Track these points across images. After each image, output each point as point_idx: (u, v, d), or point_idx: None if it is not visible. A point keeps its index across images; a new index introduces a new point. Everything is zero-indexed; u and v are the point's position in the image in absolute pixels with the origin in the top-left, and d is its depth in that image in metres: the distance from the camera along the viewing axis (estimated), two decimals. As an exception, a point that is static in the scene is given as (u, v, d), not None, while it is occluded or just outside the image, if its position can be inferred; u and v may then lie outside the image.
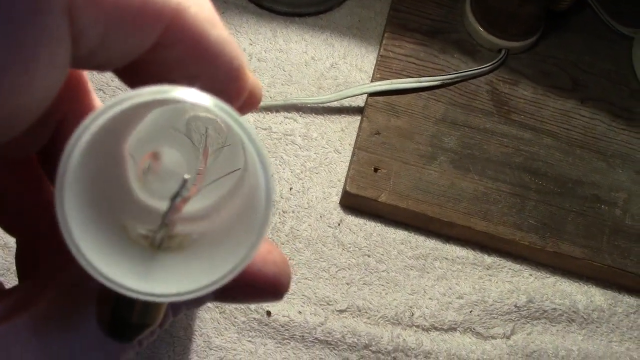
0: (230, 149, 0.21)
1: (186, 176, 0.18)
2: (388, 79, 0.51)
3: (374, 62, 0.55)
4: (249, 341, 0.44)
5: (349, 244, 0.48)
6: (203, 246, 0.18)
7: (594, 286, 0.50)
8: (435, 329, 0.47)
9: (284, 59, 0.54)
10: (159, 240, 0.18)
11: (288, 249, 0.47)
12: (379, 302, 0.47)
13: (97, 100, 0.20)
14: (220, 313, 0.44)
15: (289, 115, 0.51)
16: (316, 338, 0.45)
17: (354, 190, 0.47)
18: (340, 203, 0.49)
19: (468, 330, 0.47)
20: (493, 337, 0.47)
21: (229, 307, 0.44)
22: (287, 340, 0.45)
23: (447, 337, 0.47)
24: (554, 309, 0.48)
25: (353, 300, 0.46)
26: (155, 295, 0.15)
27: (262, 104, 0.51)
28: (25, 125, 0.14)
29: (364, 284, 0.47)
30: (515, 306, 0.48)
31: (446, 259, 0.49)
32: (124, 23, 0.12)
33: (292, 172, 0.49)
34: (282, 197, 0.48)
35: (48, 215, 0.18)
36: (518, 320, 0.48)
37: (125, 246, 0.18)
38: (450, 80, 0.53)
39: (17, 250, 0.23)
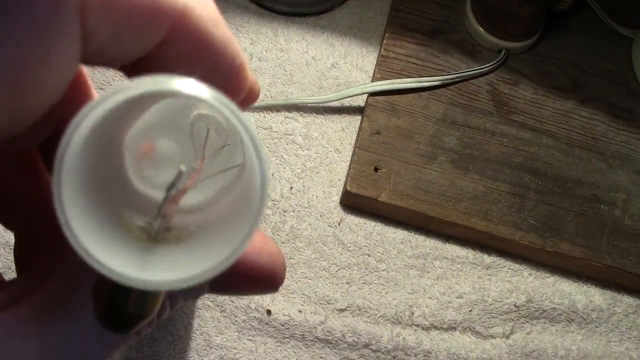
0: (230, 148, 0.21)
1: (182, 168, 0.18)
2: (388, 79, 0.52)
3: (375, 62, 0.55)
4: (249, 340, 0.44)
5: (349, 243, 0.48)
6: (200, 238, 0.18)
7: (593, 286, 0.50)
8: (435, 328, 0.47)
9: (285, 59, 0.54)
10: (156, 231, 0.18)
11: (288, 248, 0.47)
12: (379, 301, 0.47)
13: (96, 95, 0.20)
14: (220, 312, 0.45)
15: (290, 114, 0.52)
16: (316, 337, 0.45)
17: (354, 189, 0.47)
18: (340, 202, 0.49)
19: (467, 329, 0.47)
20: (492, 337, 0.47)
21: (230, 306, 0.45)
22: (288, 339, 0.45)
23: (447, 336, 0.47)
24: (554, 308, 0.48)
25: (353, 300, 0.46)
26: (151, 282, 0.15)
27: (263, 103, 0.51)
28: (36, 118, 0.15)
29: (364, 283, 0.47)
30: (515, 306, 0.48)
31: (446, 258, 0.49)
32: (133, 23, 0.13)
33: (292, 172, 0.50)
34: (282, 197, 0.49)
35: (47, 211, 0.18)
36: (517, 319, 0.48)
37: (122, 237, 0.18)
38: (450, 81, 0.53)
39: (15, 245, 0.23)
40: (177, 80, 0.14)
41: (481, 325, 0.47)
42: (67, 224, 0.15)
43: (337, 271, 0.47)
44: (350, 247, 0.48)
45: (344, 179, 0.50)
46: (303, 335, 0.45)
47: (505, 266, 0.50)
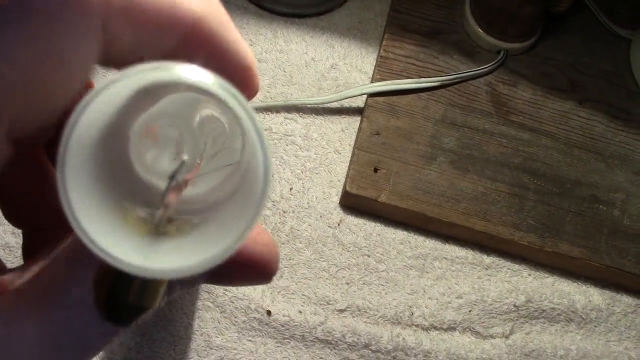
0: (231, 147, 0.22)
1: (185, 157, 0.18)
2: (388, 80, 0.52)
3: (374, 63, 0.55)
4: (249, 340, 0.44)
5: (349, 243, 0.48)
6: (202, 230, 0.18)
7: (592, 286, 0.50)
8: (435, 328, 0.47)
9: (285, 60, 0.54)
10: (158, 221, 0.18)
11: (288, 249, 0.47)
12: (378, 301, 0.47)
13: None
14: (220, 313, 0.45)
15: (289, 115, 0.52)
16: (316, 337, 0.45)
17: (354, 190, 0.47)
18: (340, 203, 0.49)
19: (467, 329, 0.47)
20: (492, 337, 0.47)
21: (230, 307, 0.45)
22: (288, 340, 0.45)
23: (447, 337, 0.47)
24: (553, 308, 0.48)
25: (353, 300, 0.46)
26: (154, 270, 0.15)
27: (262, 104, 0.51)
28: (50, 119, 0.15)
29: (363, 283, 0.47)
30: (514, 306, 0.48)
31: (445, 258, 0.49)
32: (152, 29, 0.14)
33: (292, 172, 0.50)
34: (282, 197, 0.49)
35: (53, 208, 0.19)
36: (517, 319, 0.48)
37: (125, 227, 0.18)
38: (449, 81, 0.53)
39: (23, 243, 0.23)
40: (181, 66, 0.14)
41: (481, 326, 0.47)
42: (72, 213, 0.15)
43: (336, 272, 0.47)
44: (350, 247, 0.48)
45: (344, 179, 0.50)
46: (303, 335, 0.45)
47: (504, 266, 0.50)
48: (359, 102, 0.53)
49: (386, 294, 0.47)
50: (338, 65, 0.54)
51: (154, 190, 0.20)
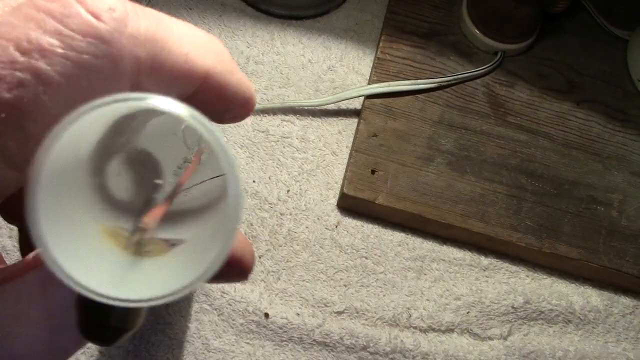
0: (212, 163, 0.22)
1: (158, 181, 0.18)
2: (385, 82, 0.52)
3: (371, 64, 0.55)
4: (247, 343, 0.44)
5: (347, 245, 0.48)
6: (183, 251, 0.19)
7: (590, 287, 0.50)
8: (433, 330, 0.47)
9: (282, 62, 0.54)
10: (135, 244, 0.18)
11: (286, 251, 0.47)
12: (376, 303, 0.47)
13: None
14: (218, 315, 0.45)
15: (286, 117, 0.52)
16: (314, 340, 0.45)
17: (352, 192, 0.47)
18: (337, 205, 0.49)
19: (465, 331, 0.47)
20: (490, 338, 0.47)
21: (227, 310, 0.45)
22: (285, 342, 0.45)
23: (445, 338, 0.47)
24: (551, 309, 0.48)
25: (351, 302, 0.46)
26: (129, 300, 0.15)
27: (259, 106, 0.51)
28: None
29: (361, 285, 0.47)
30: (512, 307, 0.48)
31: (443, 260, 0.49)
32: (173, 82, 0.17)
33: (289, 175, 0.50)
34: (279, 200, 0.49)
35: None
36: (515, 321, 0.48)
37: (103, 251, 0.18)
38: (447, 83, 0.53)
39: (19, 238, 0.24)
40: (154, 97, 0.15)
41: (479, 327, 0.47)
42: (41, 240, 0.14)
43: (334, 274, 0.47)
44: (347, 249, 0.48)
45: (341, 181, 0.50)
46: (301, 338, 0.45)
47: (502, 268, 0.50)
48: (356, 103, 0.53)
49: (384, 295, 0.47)
50: (335, 67, 0.54)
51: (134, 212, 0.20)
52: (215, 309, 0.45)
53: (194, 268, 0.16)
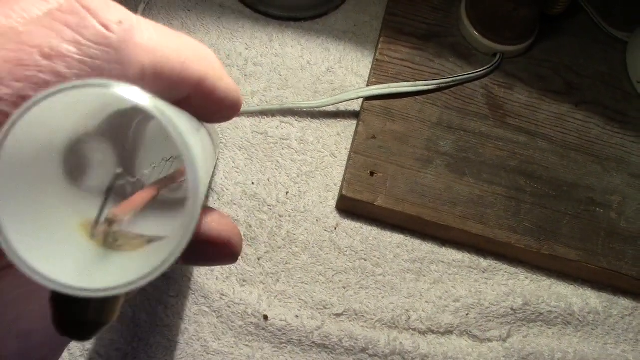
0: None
1: (118, 170, 0.18)
2: (384, 83, 0.52)
3: (370, 66, 0.55)
4: (246, 345, 0.44)
5: (346, 247, 0.48)
6: (158, 247, 0.18)
7: (589, 289, 0.50)
8: (432, 332, 0.47)
9: (280, 64, 0.54)
10: (104, 235, 0.18)
11: (285, 253, 0.47)
12: (375, 305, 0.47)
13: None
14: (217, 317, 0.45)
15: (285, 119, 0.52)
16: (313, 342, 0.45)
17: (350, 194, 0.47)
18: (336, 207, 0.49)
19: (464, 333, 0.47)
20: (489, 340, 0.47)
21: (226, 312, 0.45)
22: (284, 345, 0.45)
23: (444, 340, 0.47)
24: (550, 311, 0.48)
25: (350, 304, 0.46)
26: (95, 290, 0.15)
27: (258, 108, 0.51)
28: None
29: (360, 287, 0.47)
30: (512, 309, 0.48)
31: (442, 262, 0.49)
32: (171, 87, 0.20)
33: (288, 177, 0.50)
34: (278, 202, 0.49)
35: None
36: (514, 323, 0.48)
37: (72, 243, 0.18)
38: (445, 84, 0.53)
39: None
40: (117, 86, 0.15)
41: (478, 329, 0.47)
42: (2, 235, 0.14)
43: (333, 276, 0.47)
44: (346, 251, 0.48)
45: (340, 183, 0.50)
46: (300, 340, 0.45)
47: (501, 270, 0.50)
48: (355, 105, 0.53)
49: (383, 297, 0.47)
50: (334, 68, 0.54)
51: (99, 202, 0.20)
52: (214, 311, 0.45)
53: (156, 259, 0.16)
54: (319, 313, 0.46)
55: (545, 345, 0.47)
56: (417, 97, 0.52)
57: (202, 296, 0.45)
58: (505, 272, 0.50)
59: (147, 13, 0.54)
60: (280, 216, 0.48)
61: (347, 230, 0.49)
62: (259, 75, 0.53)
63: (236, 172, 0.49)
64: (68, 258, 0.16)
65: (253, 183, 0.49)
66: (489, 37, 0.54)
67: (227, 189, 0.48)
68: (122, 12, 0.17)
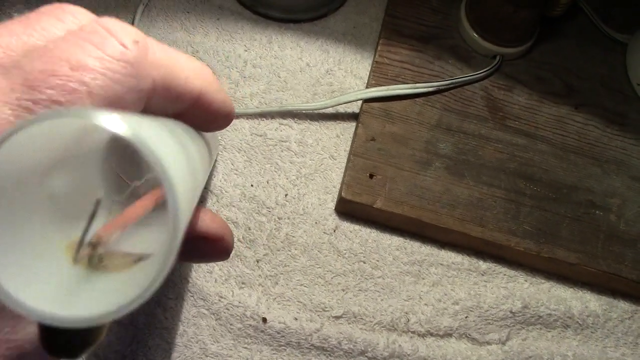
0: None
1: (99, 195, 0.18)
2: (383, 85, 0.52)
3: (369, 68, 0.55)
4: (245, 348, 0.44)
5: (345, 250, 0.48)
6: (144, 266, 0.18)
7: (589, 292, 0.50)
8: (431, 334, 0.47)
9: (279, 65, 0.54)
10: (89, 258, 0.18)
11: (284, 256, 0.47)
12: (374, 308, 0.47)
13: None
14: (216, 320, 0.44)
15: (284, 121, 0.51)
16: (312, 344, 0.45)
17: (350, 196, 0.47)
18: (335, 209, 0.49)
19: (463, 336, 0.47)
20: (488, 343, 0.47)
21: (225, 314, 0.44)
22: (283, 347, 0.45)
23: (443, 343, 0.47)
24: (549, 314, 0.48)
25: (349, 307, 0.46)
26: (71, 319, 0.15)
27: (257, 110, 0.51)
28: None
29: (359, 290, 0.47)
30: (511, 312, 0.48)
31: (441, 265, 0.49)
32: (174, 99, 0.22)
33: (287, 179, 0.50)
34: (277, 204, 0.49)
35: None
36: (513, 325, 0.48)
37: (55, 268, 0.17)
38: (445, 87, 0.53)
39: None
40: (98, 115, 0.15)
41: (477, 332, 0.47)
42: None
43: (332, 278, 0.47)
44: (345, 254, 0.48)
45: (339, 185, 0.49)
46: (299, 342, 0.45)
47: (500, 272, 0.50)
48: (354, 107, 0.53)
49: (382, 300, 0.47)
50: (333, 70, 0.54)
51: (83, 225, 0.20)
52: (213, 314, 0.45)
53: (140, 284, 0.16)
54: (318, 315, 0.46)
55: (545, 349, 0.47)
56: (416, 99, 0.52)
57: (201, 298, 0.45)
58: (505, 274, 0.49)
59: (146, 14, 0.54)
60: (279, 218, 0.48)
61: (346, 233, 0.49)
62: (258, 77, 0.53)
63: (235, 174, 0.49)
64: (51, 284, 0.16)
65: (252, 185, 0.49)
66: (489, 39, 0.54)
67: (226, 191, 0.48)
68: (137, 33, 0.20)
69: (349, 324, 0.46)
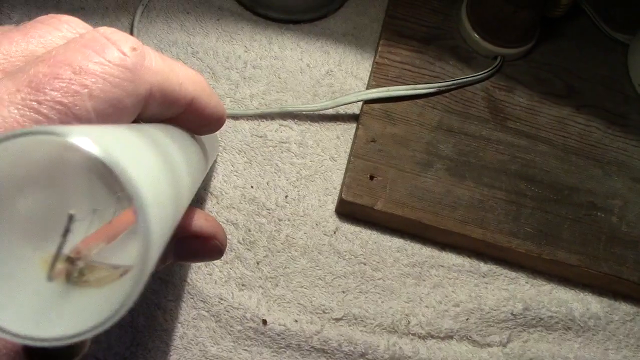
0: None
1: (71, 212, 0.18)
2: (383, 86, 0.51)
3: (370, 69, 0.55)
4: (245, 350, 0.44)
5: (345, 252, 0.48)
6: (122, 279, 0.18)
7: (590, 294, 0.50)
8: (432, 337, 0.47)
9: (279, 66, 0.54)
10: (60, 274, 0.18)
11: (284, 257, 0.47)
12: (375, 310, 0.46)
13: None
14: (216, 322, 0.44)
15: (285, 122, 0.51)
16: (312, 347, 0.44)
17: (350, 198, 0.47)
18: (336, 211, 0.49)
19: (464, 338, 0.47)
20: (489, 345, 0.47)
21: (225, 316, 0.44)
22: (283, 349, 0.44)
23: (444, 345, 0.46)
24: (551, 316, 0.48)
25: (349, 309, 0.46)
26: (43, 339, 0.15)
27: (257, 111, 0.51)
28: None
29: (360, 292, 0.47)
30: (512, 314, 0.47)
31: (442, 266, 0.49)
32: (172, 104, 0.23)
33: (287, 180, 0.49)
34: (277, 205, 0.48)
35: None
36: (514, 328, 0.48)
37: (30, 286, 0.17)
38: (446, 88, 0.53)
39: None
40: (74, 137, 0.14)
41: (478, 334, 0.47)
42: None
43: (332, 280, 0.47)
44: (346, 255, 0.48)
45: (340, 187, 0.49)
46: (299, 345, 0.44)
47: (501, 274, 0.49)
48: (355, 108, 0.53)
49: (382, 302, 0.47)
50: (333, 71, 0.54)
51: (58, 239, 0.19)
52: (213, 316, 0.44)
53: (113, 302, 0.15)
54: (318, 317, 0.46)
55: (546, 351, 0.47)
56: (417, 100, 0.52)
57: (201, 300, 0.45)
58: (506, 276, 0.49)
59: (145, 15, 0.54)
60: (279, 220, 0.48)
61: (346, 234, 0.48)
62: (258, 78, 0.53)
63: (235, 175, 0.49)
64: (27, 303, 0.16)
65: (252, 187, 0.49)
66: (490, 40, 0.54)
67: (226, 193, 0.48)
68: (135, 41, 0.21)
69: (349, 326, 0.46)
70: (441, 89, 0.52)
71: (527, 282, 0.49)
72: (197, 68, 0.52)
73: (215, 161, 0.49)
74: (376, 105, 0.51)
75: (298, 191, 0.49)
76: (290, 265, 0.47)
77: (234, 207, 0.48)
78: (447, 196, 0.48)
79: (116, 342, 0.43)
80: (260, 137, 0.50)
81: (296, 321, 0.45)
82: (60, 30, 0.22)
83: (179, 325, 0.44)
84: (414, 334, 0.46)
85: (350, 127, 0.52)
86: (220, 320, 0.44)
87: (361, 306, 0.46)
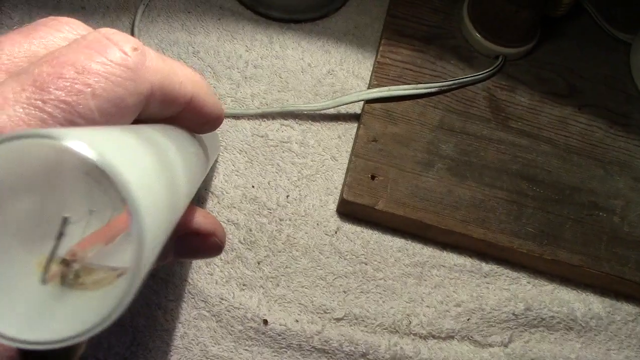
0: None
1: (66, 215, 0.18)
2: (385, 86, 0.51)
3: (371, 68, 0.55)
4: (246, 350, 0.44)
5: (346, 251, 0.48)
6: (118, 281, 0.18)
7: (592, 294, 0.50)
8: (433, 337, 0.46)
9: (281, 66, 0.53)
10: (55, 277, 0.18)
11: (285, 257, 0.47)
12: (376, 310, 0.46)
13: None
14: (217, 322, 0.44)
15: (286, 122, 0.51)
16: (313, 347, 0.44)
17: (351, 197, 0.47)
18: (337, 211, 0.49)
19: (466, 338, 0.47)
20: (491, 345, 0.47)
21: (226, 316, 0.44)
22: (284, 349, 0.44)
23: (445, 345, 0.46)
24: (552, 316, 0.48)
25: (350, 309, 0.46)
26: (37, 342, 0.15)
27: (258, 111, 0.51)
28: None
29: (361, 292, 0.47)
30: (513, 314, 0.47)
31: (443, 266, 0.49)
32: (171, 103, 0.24)
33: (288, 180, 0.49)
34: (278, 205, 0.48)
35: None
36: (516, 328, 0.48)
37: (24, 288, 0.17)
38: (447, 87, 0.53)
39: None
40: (70, 141, 0.14)
41: (479, 334, 0.47)
42: None
43: (334, 280, 0.47)
44: (347, 255, 0.48)
45: (341, 187, 0.49)
46: (300, 345, 0.44)
47: (503, 274, 0.49)
48: (356, 108, 0.53)
49: (384, 302, 0.47)
50: (334, 71, 0.54)
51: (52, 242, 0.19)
52: (214, 316, 0.44)
53: (108, 303, 0.15)
54: (319, 317, 0.45)
55: (547, 351, 0.47)
56: (418, 100, 0.52)
57: (202, 300, 0.45)
58: (507, 276, 0.49)
59: (146, 15, 0.54)
60: (280, 220, 0.48)
61: (347, 234, 0.48)
62: (259, 77, 0.53)
63: (236, 175, 0.49)
64: (20, 305, 0.16)
65: (253, 186, 0.49)
66: (491, 39, 0.54)
67: (227, 192, 0.48)
68: (136, 42, 0.22)
69: (350, 326, 0.46)
70: (442, 88, 0.52)
71: (528, 282, 0.49)
72: (198, 68, 0.52)
73: (216, 161, 0.49)
74: (377, 105, 0.51)
75: (299, 191, 0.49)
76: (291, 265, 0.47)
77: (235, 207, 0.48)
78: (448, 196, 0.48)
79: (116, 342, 0.43)
80: (262, 136, 0.50)
81: (297, 321, 0.45)
82: (61, 31, 0.22)
83: (180, 325, 0.44)
84: (415, 334, 0.46)
85: (352, 127, 0.52)
86: (221, 320, 0.44)
87: (362, 306, 0.46)
